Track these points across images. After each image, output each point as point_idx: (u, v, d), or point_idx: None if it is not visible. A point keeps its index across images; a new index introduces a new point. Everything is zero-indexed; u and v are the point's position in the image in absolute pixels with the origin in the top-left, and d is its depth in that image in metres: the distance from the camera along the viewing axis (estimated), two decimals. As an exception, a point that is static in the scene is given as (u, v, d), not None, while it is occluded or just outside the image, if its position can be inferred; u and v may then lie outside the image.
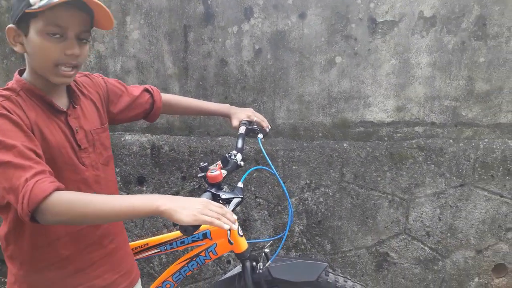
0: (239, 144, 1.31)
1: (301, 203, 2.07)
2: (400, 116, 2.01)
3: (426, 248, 2.11)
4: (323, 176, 2.03)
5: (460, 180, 2.03)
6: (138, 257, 1.37)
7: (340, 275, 1.35)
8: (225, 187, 1.16)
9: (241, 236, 1.29)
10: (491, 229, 2.07)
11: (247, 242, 1.31)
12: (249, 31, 1.91)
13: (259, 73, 1.97)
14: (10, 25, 0.93)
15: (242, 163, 1.26)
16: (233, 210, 1.04)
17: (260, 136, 1.38)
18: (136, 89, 1.30)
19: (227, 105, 1.47)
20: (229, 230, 1.10)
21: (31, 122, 0.92)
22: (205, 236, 1.34)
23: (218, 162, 1.22)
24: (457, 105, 1.99)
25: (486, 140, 2.02)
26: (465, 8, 1.86)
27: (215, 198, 1.09)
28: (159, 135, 2.04)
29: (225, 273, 1.43)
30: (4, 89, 0.95)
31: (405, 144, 2.01)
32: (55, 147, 0.96)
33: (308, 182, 2.04)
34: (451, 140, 2.03)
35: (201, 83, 1.99)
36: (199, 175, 1.15)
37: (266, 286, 1.29)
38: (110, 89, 1.20)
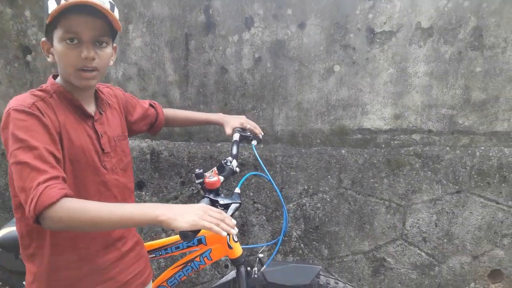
0: (234, 151, 1.34)
1: (299, 209, 2.09)
2: (398, 124, 2.04)
3: (423, 253, 2.14)
4: (321, 182, 2.06)
5: (457, 187, 2.05)
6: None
7: (331, 277, 1.38)
8: (222, 193, 1.18)
9: (236, 241, 1.32)
10: (487, 235, 2.10)
11: (242, 248, 1.33)
12: (249, 40, 1.94)
13: (259, 81, 2.01)
14: (43, 39, 1.02)
15: (237, 169, 1.29)
16: (232, 215, 1.06)
17: (254, 142, 1.41)
18: (144, 103, 1.39)
19: (221, 114, 1.52)
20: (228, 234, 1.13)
21: (60, 124, 0.97)
22: (200, 241, 1.36)
23: (214, 169, 1.25)
24: (454, 113, 2.02)
25: (482, 147, 2.05)
26: (462, 19, 1.89)
27: (214, 203, 1.11)
28: (159, 140, 2.08)
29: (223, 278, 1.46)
30: (39, 90, 1.01)
31: (402, 151, 2.04)
32: (80, 149, 1.01)
33: (306, 188, 2.07)
34: (447, 148, 2.06)
35: (201, 90, 2.02)
36: (197, 181, 1.17)
37: (261, 290, 1.32)
38: (128, 101, 1.29)
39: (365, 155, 2.04)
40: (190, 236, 0.89)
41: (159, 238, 1.46)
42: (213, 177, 1.15)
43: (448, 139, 2.06)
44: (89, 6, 0.92)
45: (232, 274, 1.40)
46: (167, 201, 2.10)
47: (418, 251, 2.14)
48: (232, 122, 1.45)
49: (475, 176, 2.05)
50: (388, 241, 2.13)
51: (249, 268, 1.33)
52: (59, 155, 0.93)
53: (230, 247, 1.31)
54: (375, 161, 2.03)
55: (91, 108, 1.08)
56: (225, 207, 1.12)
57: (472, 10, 1.88)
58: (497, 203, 2.06)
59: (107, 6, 0.96)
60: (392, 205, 2.08)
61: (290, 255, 2.15)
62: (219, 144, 2.08)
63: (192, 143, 2.08)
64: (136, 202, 2.01)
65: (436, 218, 2.10)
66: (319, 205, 2.08)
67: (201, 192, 1.19)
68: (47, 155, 0.88)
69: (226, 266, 2.16)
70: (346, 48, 1.95)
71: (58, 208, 0.84)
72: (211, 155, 2.05)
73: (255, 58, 1.97)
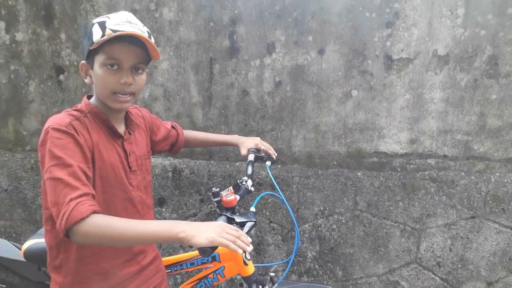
0: (249, 171, 1.40)
1: (315, 229, 2.13)
2: (413, 148, 2.08)
3: (437, 278, 2.14)
4: (336, 204, 2.10)
5: (472, 212, 2.07)
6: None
7: None
8: (237, 211, 1.23)
9: (249, 260, 1.36)
10: (502, 262, 2.10)
11: (254, 266, 1.36)
12: (271, 64, 2.02)
13: (278, 103, 2.08)
14: (82, 61, 1.08)
15: (252, 188, 1.34)
16: (247, 233, 1.10)
17: (268, 163, 1.47)
18: (167, 124, 1.47)
19: (236, 135, 1.60)
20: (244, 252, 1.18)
21: (93, 143, 1.04)
22: (214, 258, 1.40)
23: (230, 188, 1.30)
24: (469, 139, 2.06)
25: (497, 174, 2.07)
26: (478, 48, 1.94)
27: (230, 221, 1.16)
28: (180, 158, 2.15)
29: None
30: (74, 110, 1.08)
31: (418, 175, 2.08)
32: (110, 166, 1.07)
33: (322, 209, 2.11)
34: (462, 173, 2.08)
35: (223, 111, 2.10)
36: (214, 199, 1.22)
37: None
38: (153, 122, 1.37)
39: (381, 178, 2.07)
40: (209, 252, 0.92)
41: (177, 254, 1.51)
42: (230, 196, 1.21)
43: (463, 165, 2.09)
44: (133, 36, 1.00)
45: None
46: (186, 218, 2.16)
47: (432, 276, 2.15)
48: (247, 143, 1.51)
49: (490, 202, 2.06)
50: (402, 264, 2.14)
51: (260, 287, 1.36)
52: (90, 173, 0.99)
53: (246, 263, 1.34)
54: (390, 185, 2.07)
55: (121, 128, 1.16)
56: (241, 225, 1.16)
57: (488, 39, 1.94)
58: (513, 229, 2.07)
59: (146, 35, 1.03)
60: (406, 228, 2.10)
61: (305, 276, 2.17)
62: (237, 164, 2.15)
63: (212, 162, 2.15)
64: (156, 218, 2.08)
65: (450, 243, 2.11)
66: (334, 226, 2.12)
67: (217, 210, 1.24)
68: (80, 173, 0.94)
69: (241, 285, 2.19)
70: (364, 74, 2.01)
71: (87, 224, 0.89)
72: (230, 173, 2.11)
73: (276, 82, 2.05)
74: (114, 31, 0.99)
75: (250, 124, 2.11)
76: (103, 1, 2.03)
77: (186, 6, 1.99)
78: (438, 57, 1.97)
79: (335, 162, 2.13)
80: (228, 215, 1.18)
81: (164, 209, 2.16)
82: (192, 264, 1.44)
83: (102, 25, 1.01)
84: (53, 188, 0.92)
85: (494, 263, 2.11)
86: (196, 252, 1.44)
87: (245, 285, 2.18)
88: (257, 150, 1.50)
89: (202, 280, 1.44)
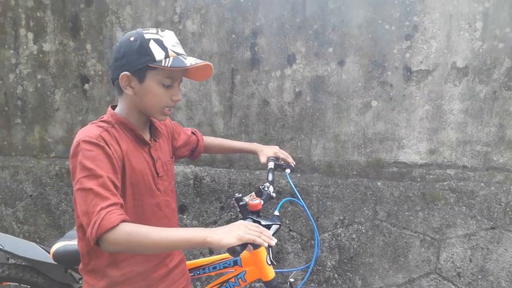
0: (270, 178, 1.43)
1: (334, 239, 2.14)
2: (433, 159, 2.09)
3: (457, 289, 2.14)
4: (356, 213, 2.11)
5: (491, 223, 2.07)
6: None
7: None
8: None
9: (270, 265, 1.37)
10: (523, 274, 2.09)
11: (274, 272, 1.38)
12: (291, 75, 2.06)
13: (298, 113, 2.11)
14: (126, 72, 1.06)
15: (274, 194, 1.38)
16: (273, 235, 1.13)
17: (288, 170, 1.50)
18: (187, 130, 1.51)
19: (255, 143, 1.64)
20: (269, 248, 1.18)
21: (122, 152, 1.07)
22: (235, 263, 1.43)
23: (252, 193, 1.34)
24: (489, 150, 2.07)
25: (517, 185, 2.08)
26: (496, 60, 1.97)
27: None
28: (202, 166, 2.18)
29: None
30: (101, 121, 1.11)
31: (437, 186, 2.09)
32: (139, 173, 1.11)
33: (341, 218, 2.12)
34: (482, 184, 2.09)
35: (243, 120, 2.14)
36: (240, 203, 1.25)
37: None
38: (174, 128, 1.41)
39: (401, 188, 2.09)
40: (238, 251, 0.95)
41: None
42: (255, 200, 1.24)
43: (482, 175, 2.10)
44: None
45: None
46: (207, 225, 2.18)
47: (452, 286, 2.14)
48: (266, 151, 1.55)
49: (510, 212, 2.06)
50: (422, 274, 2.14)
51: None
52: (118, 184, 1.02)
53: (268, 263, 1.35)
54: (410, 194, 2.08)
55: (147, 136, 1.19)
56: (267, 227, 1.19)
57: (506, 52, 1.97)
58: (533, 240, 2.06)
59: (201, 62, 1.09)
60: (426, 238, 2.11)
61: (324, 285, 2.18)
62: (257, 172, 2.18)
63: (232, 170, 2.18)
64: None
65: (470, 254, 2.11)
66: (354, 236, 2.13)
67: (240, 216, 1.27)
68: (109, 184, 0.97)
69: (260, 292, 2.20)
70: (384, 85, 2.04)
71: (117, 232, 0.92)
72: (250, 182, 2.14)
73: (296, 92, 2.09)
74: (177, 53, 1.06)
75: (270, 133, 2.15)
76: (128, 13, 2.09)
77: (209, 18, 2.05)
78: (457, 69, 2.00)
79: (354, 172, 2.14)
80: (254, 218, 1.21)
81: (185, 216, 2.19)
82: (214, 268, 1.47)
83: (161, 44, 1.04)
84: (84, 198, 0.96)
85: (515, 274, 2.10)
86: (219, 256, 1.47)
87: (263, 293, 2.19)
88: (276, 158, 1.54)
89: (224, 284, 1.46)
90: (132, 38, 1.05)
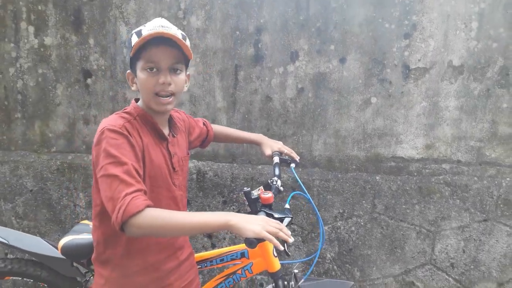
0: (276, 172, 1.48)
1: (334, 231, 2.20)
2: (429, 154, 2.17)
3: (450, 279, 2.22)
4: (355, 206, 2.17)
5: (484, 215, 2.16)
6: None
7: None
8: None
9: (276, 256, 1.42)
10: (512, 264, 2.19)
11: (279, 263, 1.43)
12: (294, 72, 2.10)
13: (300, 109, 2.16)
14: (128, 71, 1.16)
15: (281, 188, 1.42)
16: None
17: (293, 165, 1.56)
18: (199, 122, 1.54)
19: (261, 135, 1.68)
20: (285, 243, 1.23)
21: (143, 144, 1.10)
22: (242, 255, 1.47)
23: (260, 187, 1.37)
24: (482, 145, 2.15)
25: (508, 179, 2.17)
26: (490, 59, 2.05)
27: (269, 217, 1.22)
28: (204, 161, 2.21)
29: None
30: (125, 112, 1.14)
31: (433, 180, 2.17)
32: (157, 167, 1.14)
33: (341, 211, 2.18)
34: (475, 178, 2.18)
35: (246, 116, 2.17)
36: (253, 197, 1.29)
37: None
38: (190, 123, 1.45)
39: (398, 182, 2.16)
40: (255, 243, 0.97)
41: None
42: (267, 194, 1.28)
43: (476, 170, 2.18)
44: (166, 39, 1.06)
45: None
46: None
47: (446, 277, 2.23)
48: (271, 144, 1.60)
49: (501, 205, 2.16)
50: (418, 265, 2.22)
51: (286, 283, 1.42)
52: (141, 172, 1.05)
53: (275, 255, 1.40)
54: (407, 188, 2.16)
55: (166, 131, 1.22)
56: (280, 220, 1.23)
57: (499, 51, 2.05)
58: (522, 232, 2.16)
59: (179, 36, 1.09)
60: (422, 230, 2.19)
61: (324, 277, 2.24)
62: (260, 167, 2.22)
63: (235, 164, 2.22)
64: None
65: (463, 245, 2.20)
66: (353, 228, 2.19)
67: (248, 209, 1.30)
68: (133, 171, 1.00)
69: (261, 285, 2.24)
70: (383, 82, 2.11)
71: (143, 216, 0.94)
72: (252, 176, 2.18)
73: (298, 89, 2.13)
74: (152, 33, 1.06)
75: (273, 129, 2.19)
76: (132, 8, 2.09)
77: (214, 14, 2.07)
78: (453, 67, 2.07)
79: (354, 166, 2.21)
80: (267, 211, 1.24)
81: (188, 210, 2.21)
82: (221, 260, 1.50)
83: (139, 33, 1.08)
84: (109, 184, 0.98)
85: (505, 264, 2.19)
86: (226, 249, 1.51)
87: (265, 285, 2.24)
88: (280, 153, 1.58)
89: (231, 276, 1.50)
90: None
